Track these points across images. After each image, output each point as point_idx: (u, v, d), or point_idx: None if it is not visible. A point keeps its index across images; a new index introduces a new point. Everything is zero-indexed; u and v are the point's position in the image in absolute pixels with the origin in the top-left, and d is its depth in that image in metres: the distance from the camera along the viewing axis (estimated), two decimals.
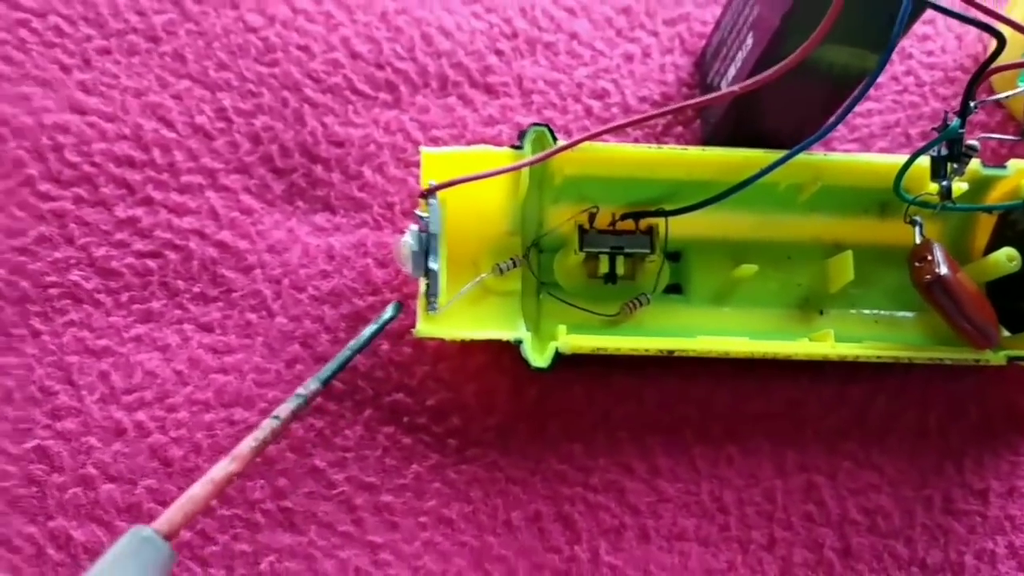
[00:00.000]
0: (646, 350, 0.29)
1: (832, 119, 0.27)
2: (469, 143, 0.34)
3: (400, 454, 0.30)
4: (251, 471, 0.29)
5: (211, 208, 0.32)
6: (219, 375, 0.30)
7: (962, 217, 0.33)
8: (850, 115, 0.28)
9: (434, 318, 0.29)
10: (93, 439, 0.29)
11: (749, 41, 0.31)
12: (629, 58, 0.36)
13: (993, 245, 0.33)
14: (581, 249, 0.31)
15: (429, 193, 0.28)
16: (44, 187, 0.32)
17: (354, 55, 0.35)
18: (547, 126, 0.30)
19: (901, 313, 0.33)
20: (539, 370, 0.28)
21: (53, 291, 0.31)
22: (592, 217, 0.32)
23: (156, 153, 0.33)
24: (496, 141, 0.34)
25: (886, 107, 0.36)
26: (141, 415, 0.30)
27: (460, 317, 0.29)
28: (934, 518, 0.30)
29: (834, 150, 0.35)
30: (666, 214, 0.31)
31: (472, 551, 0.29)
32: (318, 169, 0.33)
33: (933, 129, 0.29)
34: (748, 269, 0.32)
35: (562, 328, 0.29)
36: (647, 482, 0.30)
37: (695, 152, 0.30)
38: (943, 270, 0.29)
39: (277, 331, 0.31)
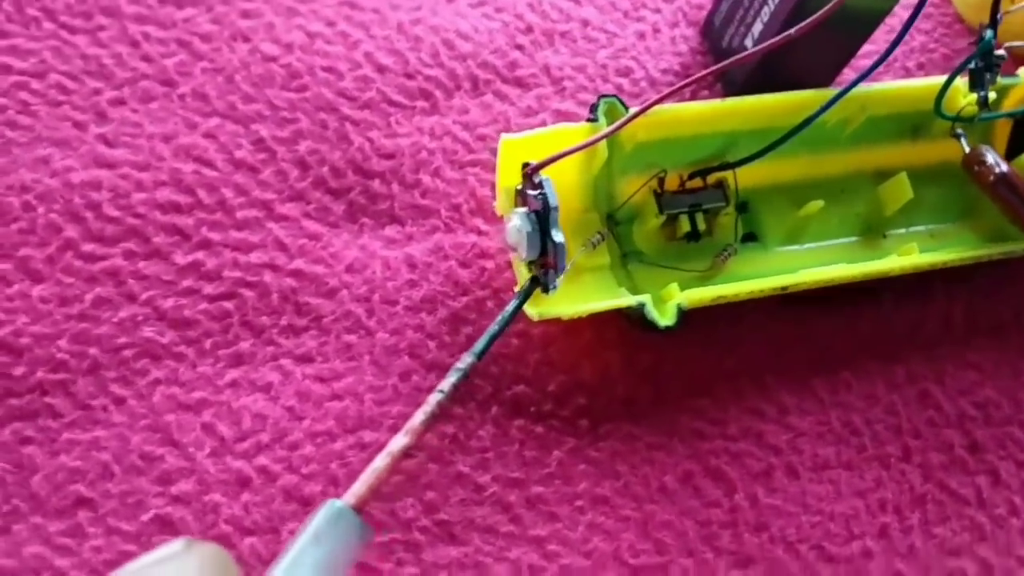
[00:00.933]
0: (761, 291, 0.29)
1: (885, 50, 0.29)
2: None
3: (537, 444, 0.29)
4: (398, 491, 0.27)
5: (276, 239, 0.31)
6: (334, 402, 0.29)
7: (981, 129, 0.35)
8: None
9: (550, 299, 0.28)
10: (216, 495, 0.27)
11: None
12: (641, 36, 0.38)
13: (1011, 150, 0.35)
14: (661, 212, 0.32)
15: (533, 172, 0.27)
16: (88, 247, 0.30)
17: (381, 69, 0.34)
18: (616, 96, 0.30)
19: (950, 224, 0.35)
20: (667, 329, 0.28)
21: (127, 352, 0.29)
22: (662, 182, 0.32)
23: (202, 194, 0.31)
24: (541, 124, 0.35)
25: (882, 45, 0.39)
26: (263, 459, 0.28)
27: (565, 297, 0.29)
28: None
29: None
30: (732, 166, 0.32)
31: (636, 523, 0.28)
32: (375, 184, 0.32)
33: (970, 44, 0.31)
34: (815, 205, 0.33)
35: (674, 286, 0.29)
36: (779, 421, 0.30)
37: (754, 100, 0.32)
38: (1004, 167, 0.31)
39: (381, 347, 0.30)
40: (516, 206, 0.29)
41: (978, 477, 0.30)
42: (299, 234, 0.31)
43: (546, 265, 0.27)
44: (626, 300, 0.28)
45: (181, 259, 0.30)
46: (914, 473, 0.30)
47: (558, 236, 0.26)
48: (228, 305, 0.30)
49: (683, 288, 0.30)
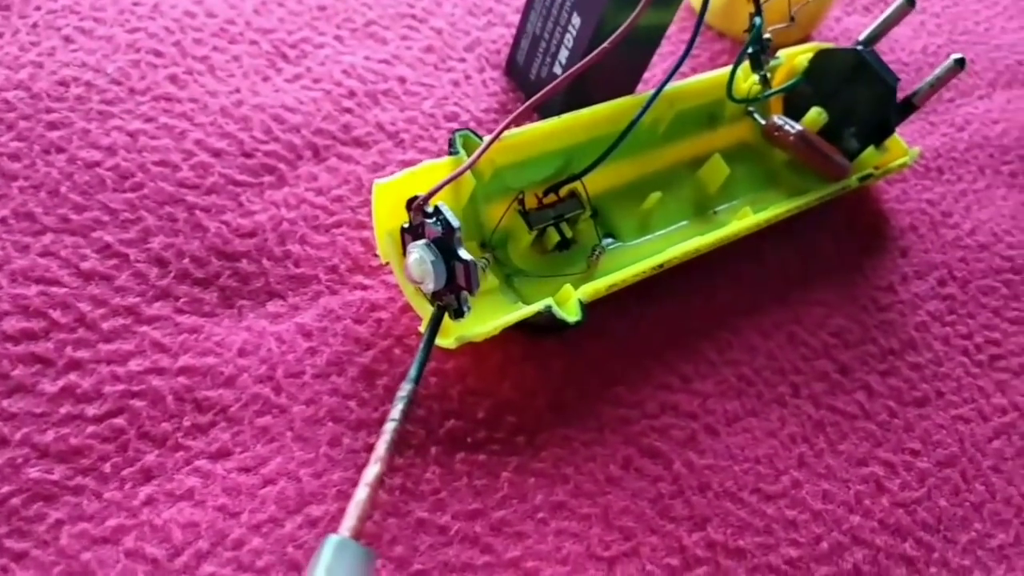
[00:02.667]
0: (644, 272, 0.32)
1: (683, 51, 0.33)
2: (368, 188, 0.35)
3: (484, 471, 0.29)
4: None
5: (153, 341, 0.29)
6: (268, 487, 0.27)
7: (763, 106, 0.41)
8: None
9: (462, 324, 0.29)
10: None
11: (576, 22, 0.36)
12: (456, 83, 0.40)
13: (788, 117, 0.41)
14: (531, 229, 0.33)
15: (425, 202, 0.28)
16: None
17: (216, 153, 0.34)
18: (469, 129, 0.32)
19: (761, 192, 0.39)
20: (575, 325, 0.29)
21: (15, 501, 0.25)
22: (522, 203, 0.34)
23: (56, 314, 0.29)
24: None
25: (659, 59, 0.44)
26: (209, 567, 0.25)
27: (473, 322, 0.30)
28: (876, 316, 0.37)
29: None
30: (579, 176, 0.34)
31: (597, 517, 0.29)
32: (243, 264, 0.31)
33: (744, 32, 0.36)
34: (653, 198, 0.36)
35: (567, 287, 0.31)
36: (686, 390, 0.32)
37: (585, 112, 0.34)
38: (798, 126, 0.36)
39: (300, 420, 0.28)
40: (405, 245, 0.29)
41: (856, 394, 0.34)
42: (176, 331, 0.29)
43: (456, 289, 0.28)
44: (534, 307, 0.29)
45: (50, 387, 0.27)
46: (806, 404, 0.33)
47: (466, 255, 0.27)
48: (119, 421, 0.27)
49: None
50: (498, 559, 0.27)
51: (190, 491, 0.26)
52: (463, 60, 0.41)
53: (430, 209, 0.28)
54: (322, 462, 0.28)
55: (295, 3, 0.40)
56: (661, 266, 0.32)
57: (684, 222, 0.37)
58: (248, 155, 0.34)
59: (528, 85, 0.40)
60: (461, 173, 0.29)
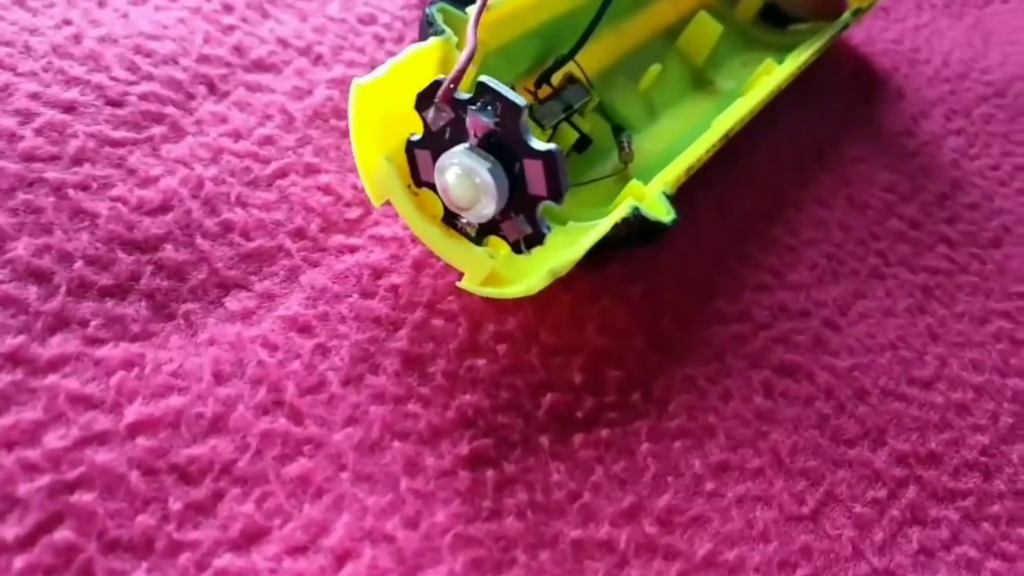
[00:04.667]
0: (713, 145, 0.24)
1: None
2: (301, 120, 0.25)
3: (615, 451, 0.20)
4: None
5: (71, 396, 0.18)
6: (350, 567, 0.17)
7: None
8: None
9: (529, 260, 0.20)
10: None
11: None
12: None
13: None
14: (543, 128, 0.25)
15: (454, 87, 0.19)
16: None
17: (68, 107, 0.22)
18: (445, 1, 0.23)
19: (746, 54, 0.33)
20: (672, 224, 0.22)
21: None
22: None
23: None
24: (330, 101, 0.25)
25: None
26: None
27: (536, 259, 0.21)
28: (911, 162, 0.32)
29: None
30: (571, 56, 0.26)
31: (772, 466, 0.21)
32: (168, 252, 0.21)
33: None
34: (652, 72, 0.29)
35: (634, 183, 0.23)
36: (783, 285, 0.26)
37: None
38: None
39: (350, 452, 0.18)
40: (416, 167, 0.20)
41: (938, 247, 0.29)
42: (99, 372, 0.18)
43: (525, 205, 0.19)
44: (617, 214, 0.21)
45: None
46: (902, 271, 0.28)
47: (542, 143, 0.18)
48: (63, 536, 0.16)
49: (603, 203, 0.24)
50: (690, 563, 0.19)
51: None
52: None
53: (464, 96, 0.19)
54: (410, 503, 0.18)
55: None
56: (727, 135, 0.25)
57: (691, 99, 0.30)
58: (117, 103, 0.23)
59: None
60: (470, 58, 0.20)
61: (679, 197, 0.23)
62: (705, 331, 0.24)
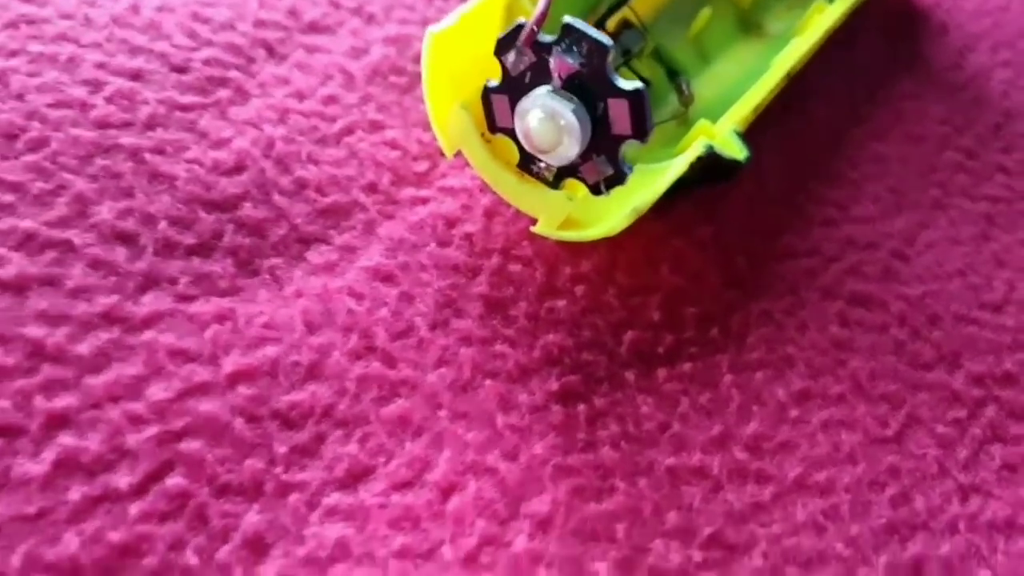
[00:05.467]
0: (777, 85, 0.24)
1: None
2: (362, 78, 0.25)
3: (699, 384, 0.21)
4: None
5: (170, 350, 0.18)
6: (456, 499, 0.17)
7: None
8: None
9: (608, 199, 0.20)
10: None
11: None
12: None
13: None
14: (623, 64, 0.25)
15: (537, 28, 0.19)
16: None
17: (136, 75, 0.23)
18: None
19: None
20: (746, 162, 0.22)
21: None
22: None
23: None
24: (387, 59, 0.25)
25: None
26: None
27: (606, 201, 0.21)
28: (961, 95, 0.32)
29: None
30: (623, 1, 0.26)
31: (853, 392, 0.21)
32: (248, 210, 0.21)
33: None
34: (703, 16, 0.29)
35: (702, 122, 0.23)
36: (850, 218, 0.26)
37: None
38: None
39: (445, 391, 0.19)
40: (494, 113, 0.20)
41: (996, 177, 0.29)
42: (194, 326, 0.19)
43: (608, 145, 0.19)
44: (694, 151, 0.21)
45: (35, 467, 0.16)
46: (962, 200, 0.27)
47: (628, 82, 0.18)
48: (175, 482, 0.16)
49: (671, 140, 0.24)
50: (782, 486, 0.19)
51: (340, 547, 0.16)
52: None
53: (547, 38, 0.19)
54: (508, 438, 0.18)
55: None
56: (789, 74, 0.25)
57: (739, 42, 0.30)
58: (181, 69, 0.23)
59: None
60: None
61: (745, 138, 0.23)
62: (777, 267, 0.24)
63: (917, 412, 0.21)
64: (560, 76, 0.19)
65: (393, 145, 0.23)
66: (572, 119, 0.19)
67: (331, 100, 0.24)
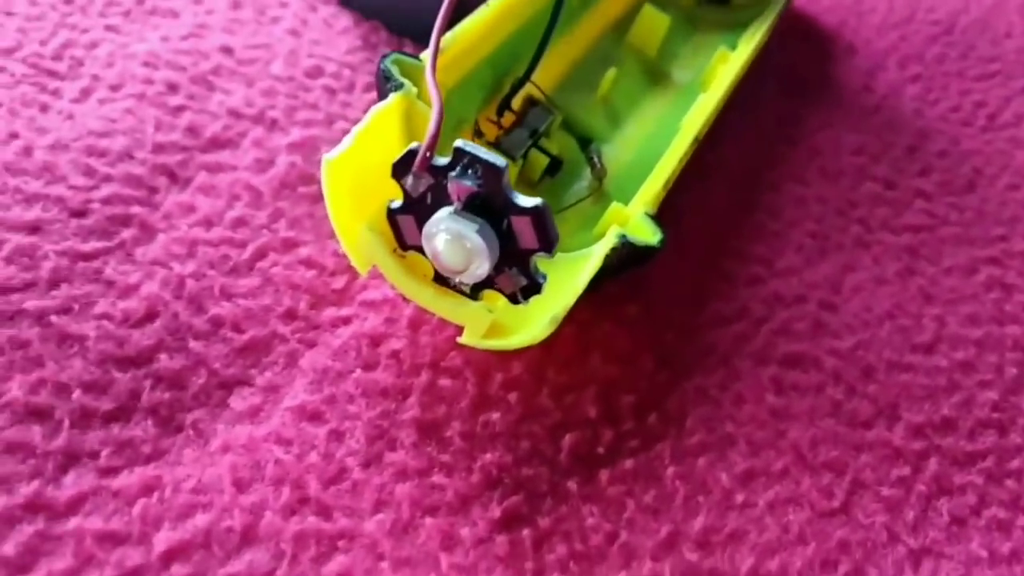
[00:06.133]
0: (685, 152, 0.24)
1: None
2: (268, 194, 0.24)
3: (642, 481, 0.20)
4: None
5: (96, 534, 0.17)
6: None
7: None
8: None
9: (527, 308, 0.20)
10: None
11: None
12: (295, 32, 0.29)
13: None
14: (516, 160, 0.25)
15: (429, 155, 0.18)
16: None
17: (33, 228, 0.22)
18: (395, 52, 0.22)
19: (697, 37, 0.33)
20: (660, 246, 0.22)
21: None
22: (481, 133, 0.25)
23: None
24: (293, 168, 0.25)
25: None
26: None
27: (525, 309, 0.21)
28: (875, 118, 0.32)
29: None
30: (528, 76, 0.26)
31: (796, 465, 0.21)
32: (164, 362, 0.20)
33: None
34: (609, 77, 0.29)
35: (616, 206, 0.23)
36: (774, 273, 0.26)
37: None
38: None
39: (385, 538, 0.18)
40: (401, 232, 0.20)
41: (915, 203, 0.29)
42: (119, 503, 0.18)
43: (518, 259, 0.19)
44: (605, 244, 0.21)
45: None
46: (885, 234, 0.28)
47: (528, 199, 0.18)
48: None
49: (589, 219, 0.24)
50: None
51: None
52: (284, 5, 0.30)
53: (444, 160, 0.18)
54: (458, 566, 0.18)
55: (27, 5, 0.27)
56: (696, 139, 0.25)
57: (651, 97, 0.30)
58: (81, 213, 0.22)
59: (381, 6, 0.30)
60: (441, 115, 0.19)
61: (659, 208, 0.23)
62: (708, 336, 0.24)
63: (861, 476, 0.21)
64: (459, 198, 0.18)
65: (308, 263, 0.23)
66: (478, 241, 0.18)
67: (240, 223, 0.23)
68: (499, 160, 0.18)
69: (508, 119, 0.26)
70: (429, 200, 0.19)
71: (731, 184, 0.28)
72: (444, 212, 0.19)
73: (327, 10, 0.31)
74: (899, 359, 0.24)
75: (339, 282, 0.23)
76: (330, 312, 0.22)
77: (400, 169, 0.19)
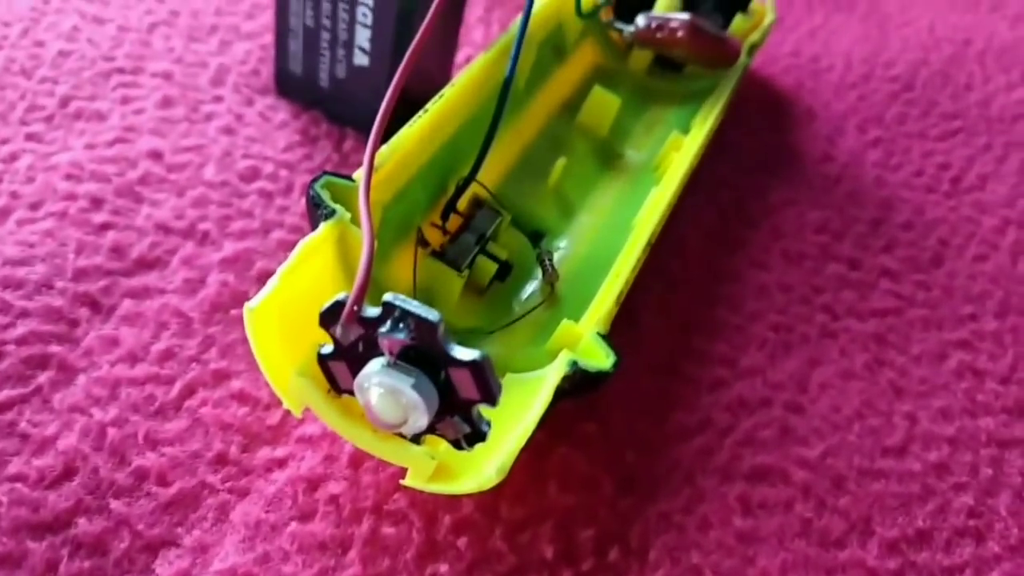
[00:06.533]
0: (638, 259, 0.23)
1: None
2: (198, 319, 0.23)
3: None
4: None
5: None
6: None
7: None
8: None
9: (475, 453, 0.19)
10: None
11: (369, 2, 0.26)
12: (229, 130, 0.28)
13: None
14: (462, 269, 0.23)
15: (358, 306, 0.17)
16: None
17: None
18: (324, 172, 0.21)
19: (650, 113, 0.32)
20: (614, 368, 0.20)
21: None
22: (425, 242, 0.24)
23: None
24: (225, 288, 0.24)
25: None
26: None
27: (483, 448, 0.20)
28: (836, 191, 0.31)
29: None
30: (473, 176, 0.25)
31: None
32: (81, 527, 0.19)
33: None
34: (559, 166, 0.28)
35: (565, 324, 0.22)
36: (738, 375, 0.25)
37: (455, 90, 0.25)
38: (684, 16, 0.29)
39: None
40: (333, 375, 0.18)
41: (881, 282, 0.28)
42: None
43: (459, 407, 0.18)
44: (556, 373, 0.20)
45: None
46: (851, 321, 0.27)
47: (466, 352, 0.17)
48: None
49: (543, 330, 0.23)
50: None
51: None
52: (219, 99, 0.29)
53: (374, 312, 0.17)
54: None
55: None
56: (649, 242, 0.24)
57: (601, 181, 0.29)
58: None
59: (321, 95, 0.29)
60: (372, 249, 0.18)
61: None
62: (670, 453, 0.22)
63: None
64: (391, 352, 0.17)
65: (241, 397, 0.21)
66: (414, 396, 0.17)
67: (167, 355, 0.22)
68: (432, 314, 0.17)
69: (454, 223, 0.25)
70: (360, 348, 0.18)
71: (690, 277, 0.27)
72: (376, 364, 0.17)
73: (264, 102, 0.29)
74: (870, 465, 0.23)
75: (274, 417, 0.21)
76: (264, 453, 0.21)
77: (328, 319, 0.17)
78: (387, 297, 0.17)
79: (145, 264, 0.24)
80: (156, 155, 0.27)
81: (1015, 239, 0.31)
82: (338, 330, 0.17)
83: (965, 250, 0.30)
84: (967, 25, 0.41)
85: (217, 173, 0.26)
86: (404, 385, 0.17)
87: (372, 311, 0.17)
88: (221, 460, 0.20)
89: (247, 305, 0.18)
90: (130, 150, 0.27)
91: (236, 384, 0.22)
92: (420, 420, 0.17)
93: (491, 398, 0.17)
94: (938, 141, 0.34)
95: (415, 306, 0.17)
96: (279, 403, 0.21)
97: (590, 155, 0.29)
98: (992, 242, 0.30)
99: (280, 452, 0.21)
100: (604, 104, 0.30)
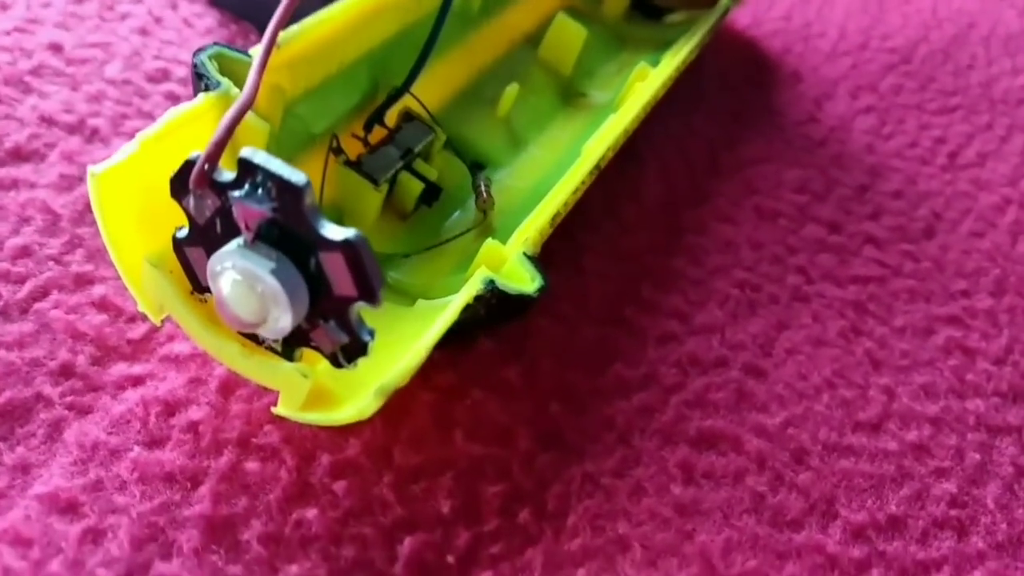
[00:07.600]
0: (583, 183, 0.20)
1: None
2: (69, 217, 0.20)
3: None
4: None
5: None
6: None
7: None
8: None
9: (360, 371, 0.15)
10: None
11: None
12: (144, 31, 0.25)
13: None
14: (379, 184, 0.20)
15: (211, 163, 0.14)
16: None
17: None
18: (216, 44, 0.18)
19: (621, 56, 0.29)
20: (539, 294, 0.17)
21: None
22: (340, 150, 0.21)
23: None
24: None
25: None
26: None
27: (368, 365, 0.16)
28: (820, 152, 0.28)
29: None
30: (406, 88, 0.22)
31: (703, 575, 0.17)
32: None
33: None
34: (509, 94, 0.25)
35: (491, 243, 0.18)
36: (693, 330, 0.21)
37: None
38: None
39: None
40: (192, 269, 0.15)
41: (864, 249, 0.25)
42: None
43: (334, 308, 0.14)
44: (466, 292, 0.16)
45: None
46: (828, 286, 0.24)
47: (339, 231, 0.14)
48: None
49: (466, 259, 0.20)
50: None
51: None
52: (139, 1, 0.26)
53: (230, 176, 0.14)
54: None
55: None
56: (598, 167, 0.21)
57: (559, 116, 0.26)
58: None
59: (254, 6, 0.26)
60: (248, 104, 0.15)
61: (552, 246, 0.18)
62: (604, 409, 0.19)
63: None
64: (248, 226, 0.14)
65: (101, 305, 0.18)
66: (273, 283, 0.14)
67: (23, 253, 0.19)
68: (298, 175, 0.13)
69: (377, 135, 0.22)
70: (219, 228, 0.14)
71: (648, 221, 0.24)
72: (232, 245, 0.14)
73: (190, 8, 0.26)
74: (838, 440, 0.20)
75: (138, 330, 0.18)
76: (118, 369, 0.17)
77: (178, 186, 0.14)
78: (244, 152, 0.13)
79: (20, 156, 0.21)
80: (56, 47, 0.23)
81: (1015, 218, 0.28)
82: (191, 201, 0.14)
83: (960, 225, 0.27)
84: (972, 10, 0.38)
85: (121, 71, 0.23)
86: (262, 270, 0.14)
87: (228, 175, 0.14)
88: (65, 372, 0.17)
89: (91, 169, 0.15)
90: (28, 40, 0.23)
91: (99, 290, 0.18)
92: (283, 319, 0.14)
93: (370, 292, 0.14)
94: (935, 115, 0.31)
95: (278, 165, 0.13)
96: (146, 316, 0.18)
97: (549, 89, 0.26)
98: (990, 219, 0.27)
99: (138, 369, 0.17)
100: (568, 35, 0.27)
